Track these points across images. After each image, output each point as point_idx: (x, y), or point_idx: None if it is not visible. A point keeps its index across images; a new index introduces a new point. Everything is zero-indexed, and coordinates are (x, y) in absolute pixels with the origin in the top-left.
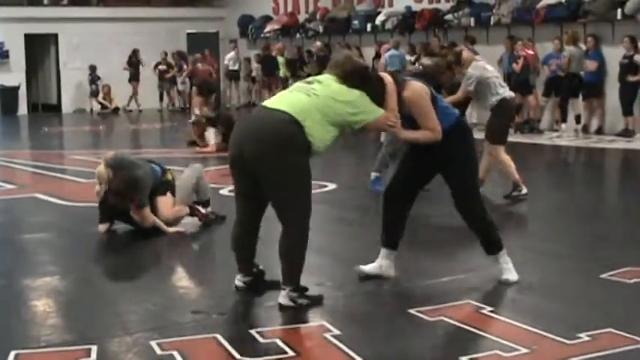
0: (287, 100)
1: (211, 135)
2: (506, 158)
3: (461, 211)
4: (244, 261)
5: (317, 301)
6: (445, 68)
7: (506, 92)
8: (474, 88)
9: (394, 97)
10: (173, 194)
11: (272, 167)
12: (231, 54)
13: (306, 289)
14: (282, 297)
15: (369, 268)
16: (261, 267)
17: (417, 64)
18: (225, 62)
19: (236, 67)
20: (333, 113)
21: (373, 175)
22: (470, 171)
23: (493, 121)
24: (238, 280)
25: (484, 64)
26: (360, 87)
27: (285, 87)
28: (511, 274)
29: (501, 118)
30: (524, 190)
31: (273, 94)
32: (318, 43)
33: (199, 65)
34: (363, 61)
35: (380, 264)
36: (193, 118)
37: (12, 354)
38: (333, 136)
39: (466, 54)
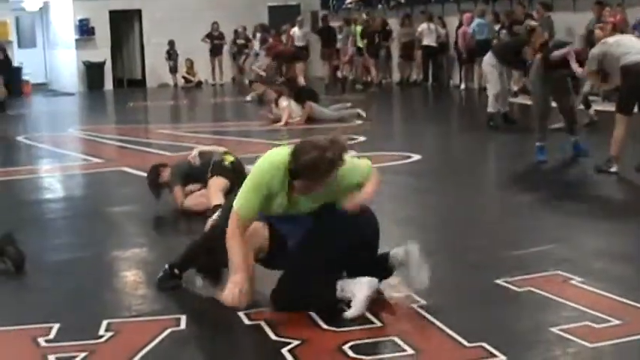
0: None
1: (293, 106)
2: (620, 131)
3: None
4: None
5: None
6: None
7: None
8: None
9: None
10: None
11: None
12: (295, 29)
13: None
14: None
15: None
16: None
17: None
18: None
19: (302, 43)
20: None
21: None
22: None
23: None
24: None
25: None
26: None
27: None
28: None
29: (622, 85)
30: (614, 169)
31: (332, 66)
32: (364, 16)
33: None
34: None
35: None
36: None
37: (104, 322)
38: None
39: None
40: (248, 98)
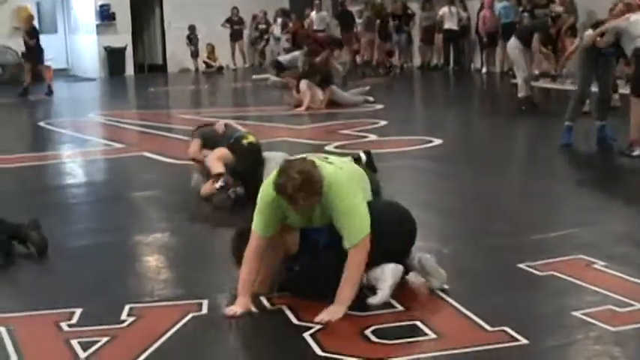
0: None
1: (315, 90)
2: (637, 115)
3: None
4: None
5: None
6: None
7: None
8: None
9: None
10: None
11: None
12: (313, 13)
13: None
14: None
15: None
16: None
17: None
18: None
19: (322, 27)
20: None
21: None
22: None
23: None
24: None
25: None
26: None
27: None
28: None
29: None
30: (637, 152)
31: (351, 50)
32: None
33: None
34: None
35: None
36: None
37: (126, 307)
38: None
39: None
40: (268, 81)
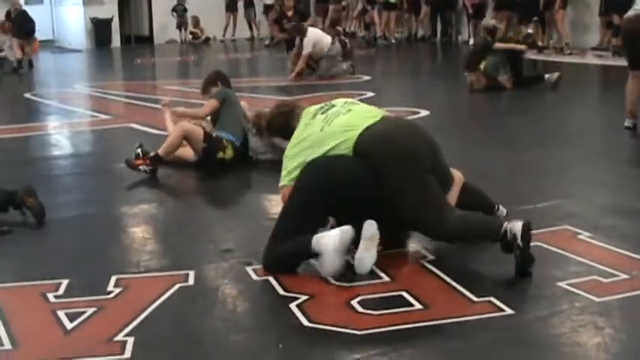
0: None
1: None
2: (629, 87)
3: None
4: None
5: None
6: None
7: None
8: None
9: None
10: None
11: None
12: None
13: None
14: None
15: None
16: None
17: None
18: None
19: (271, 2)
20: None
21: None
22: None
23: None
24: None
25: None
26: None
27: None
28: None
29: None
30: (627, 123)
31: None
32: None
33: None
34: None
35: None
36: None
37: (113, 278)
38: None
39: None
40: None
